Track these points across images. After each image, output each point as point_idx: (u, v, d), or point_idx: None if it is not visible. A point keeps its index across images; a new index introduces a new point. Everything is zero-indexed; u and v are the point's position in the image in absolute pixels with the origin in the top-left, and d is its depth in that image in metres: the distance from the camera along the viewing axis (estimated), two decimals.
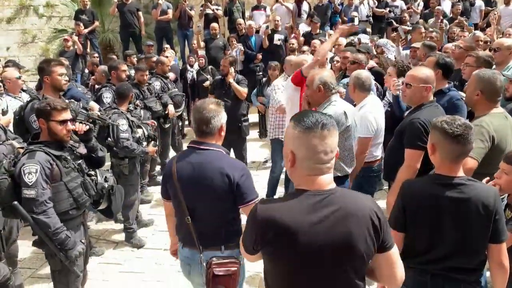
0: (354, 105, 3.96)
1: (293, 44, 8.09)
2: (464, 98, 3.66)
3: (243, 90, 5.87)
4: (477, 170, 2.64)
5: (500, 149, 2.89)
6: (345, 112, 3.45)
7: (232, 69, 5.95)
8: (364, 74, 4.00)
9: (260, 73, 7.89)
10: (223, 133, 2.63)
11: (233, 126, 5.78)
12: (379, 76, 5.33)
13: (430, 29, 7.52)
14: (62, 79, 3.90)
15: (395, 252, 1.75)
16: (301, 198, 1.64)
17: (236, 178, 2.46)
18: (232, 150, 6.00)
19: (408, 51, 6.68)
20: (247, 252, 1.81)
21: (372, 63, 6.00)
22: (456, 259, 2.18)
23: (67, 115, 3.00)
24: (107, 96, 5.39)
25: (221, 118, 2.58)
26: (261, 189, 5.87)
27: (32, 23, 13.05)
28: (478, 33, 6.52)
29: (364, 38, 7.86)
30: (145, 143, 4.91)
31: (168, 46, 9.78)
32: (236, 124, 5.86)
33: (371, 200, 1.73)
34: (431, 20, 9.85)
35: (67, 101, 4.00)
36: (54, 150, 2.97)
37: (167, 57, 7.51)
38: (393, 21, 10.00)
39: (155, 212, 5.68)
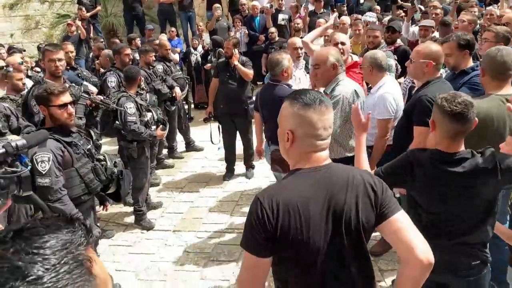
0: (370, 88, 3.86)
1: (298, 24, 8.03)
2: None
3: (249, 72, 5.78)
4: None
5: (480, 129, 2.57)
6: (355, 91, 3.40)
7: (236, 51, 5.88)
8: (380, 53, 3.83)
9: None
10: (285, 74, 4.08)
11: (239, 109, 5.79)
12: (406, 55, 5.28)
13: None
14: (52, 64, 3.90)
15: (400, 217, 1.62)
16: (303, 175, 1.65)
17: None
18: (238, 133, 6.02)
19: (416, 29, 6.60)
20: (257, 254, 1.60)
21: (399, 41, 5.95)
22: (459, 234, 2.19)
23: (66, 98, 3.00)
24: (112, 80, 5.40)
25: (283, 65, 4.02)
26: (263, 178, 5.93)
27: (34, 9, 12.99)
28: (490, 8, 6.47)
29: (371, 17, 7.75)
30: (154, 127, 4.89)
31: (174, 29, 9.71)
32: (242, 107, 5.78)
33: (367, 174, 1.76)
34: None
35: (67, 85, 4.02)
36: (64, 136, 3.00)
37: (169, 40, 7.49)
38: None
39: (163, 194, 5.75)
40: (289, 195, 1.59)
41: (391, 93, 3.68)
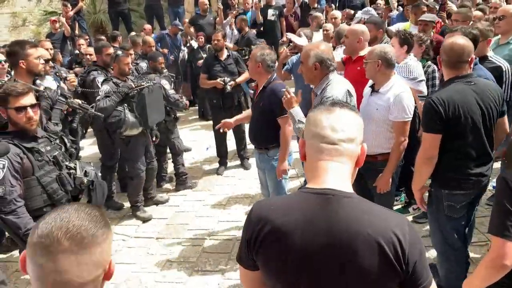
0: (373, 86, 3.44)
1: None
2: None
3: (246, 77, 5.87)
4: None
5: None
6: (348, 91, 3.17)
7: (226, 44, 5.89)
8: (389, 48, 3.44)
9: (246, 56, 7.53)
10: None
11: (232, 103, 5.80)
12: None
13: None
14: (40, 62, 3.62)
15: None
16: (302, 196, 1.34)
17: None
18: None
19: (400, 25, 6.37)
20: (244, 265, 1.46)
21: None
22: None
23: (26, 100, 2.73)
24: (101, 81, 5.14)
25: None
26: (253, 180, 5.65)
27: (22, 6, 12.72)
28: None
29: (364, 14, 7.39)
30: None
31: (149, 26, 9.34)
32: (235, 101, 5.82)
33: (397, 221, 1.30)
34: None
35: (43, 87, 3.75)
36: (25, 142, 2.74)
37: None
38: None
39: None
40: (279, 219, 1.31)
41: (408, 92, 3.31)
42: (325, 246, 1.25)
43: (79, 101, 4.27)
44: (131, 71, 5.56)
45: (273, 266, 1.34)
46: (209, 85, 5.82)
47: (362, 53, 4.06)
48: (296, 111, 3.19)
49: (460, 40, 2.81)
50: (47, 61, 4.32)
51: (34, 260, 1.03)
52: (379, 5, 8.61)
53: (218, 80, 5.65)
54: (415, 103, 3.55)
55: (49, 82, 4.45)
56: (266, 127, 3.71)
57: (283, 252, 1.29)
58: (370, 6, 8.60)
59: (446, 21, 6.32)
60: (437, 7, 6.77)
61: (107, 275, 1.11)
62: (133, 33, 8.83)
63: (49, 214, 1.07)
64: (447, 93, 2.72)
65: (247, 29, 7.85)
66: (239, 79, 5.82)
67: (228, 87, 5.63)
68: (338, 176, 1.31)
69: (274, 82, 3.69)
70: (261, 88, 3.75)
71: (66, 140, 3.34)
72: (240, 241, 1.45)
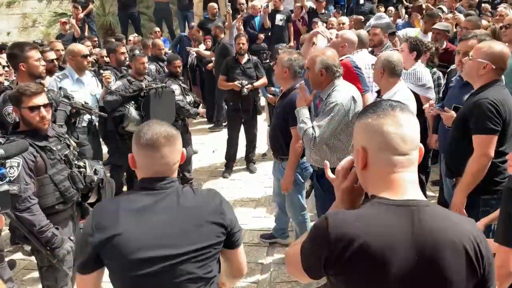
0: (378, 92, 3.50)
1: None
2: None
3: (265, 81, 6.07)
4: None
5: None
6: (353, 97, 3.18)
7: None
8: (396, 56, 3.42)
9: (267, 60, 7.58)
10: None
11: (249, 106, 5.89)
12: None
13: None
14: (40, 64, 3.64)
15: None
16: (384, 208, 1.28)
17: None
18: (243, 130, 6.08)
19: (409, 31, 6.40)
20: (309, 272, 1.36)
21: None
22: None
23: (39, 100, 2.78)
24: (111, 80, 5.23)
25: None
26: (258, 183, 5.80)
27: (32, 7, 12.87)
28: (501, 9, 6.32)
29: (379, 18, 7.35)
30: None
31: (158, 29, 9.48)
32: (252, 104, 5.91)
33: (472, 225, 1.33)
34: None
35: (46, 89, 3.80)
36: (38, 141, 2.80)
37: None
38: None
39: None
40: (367, 235, 1.23)
41: (410, 100, 3.32)
42: (416, 257, 1.24)
43: (82, 102, 4.31)
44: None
45: (361, 284, 1.27)
46: (226, 86, 5.92)
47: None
48: (303, 111, 3.20)
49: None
50: (85, 56, 4.41)
51: (145, 154, 1.67)
52: (390, 11, 8.66)
53: (236, 82, 5.74)
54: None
55: (89, 78, 4.65)
56: (281, 136, 3.67)
57: (374, 269, 1.24)
58: (379, 11, 8.64)
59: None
60: (442, 15, 6.77)
61: (182, 158, 1.76)
62: (134, 35, 8.96)
63: (142, 128, 1.69)
64: (499, 95, 2.68)
65: (222, 35, 7.86)
66: (257, 84, 5.89)
67: (245, 90, 5.71)
68: (413, 185, 1.32)
69: (295, 91, 3.56)
70: (281, 94, 3.71)
71: (69, 142, 3.41)
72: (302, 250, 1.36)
